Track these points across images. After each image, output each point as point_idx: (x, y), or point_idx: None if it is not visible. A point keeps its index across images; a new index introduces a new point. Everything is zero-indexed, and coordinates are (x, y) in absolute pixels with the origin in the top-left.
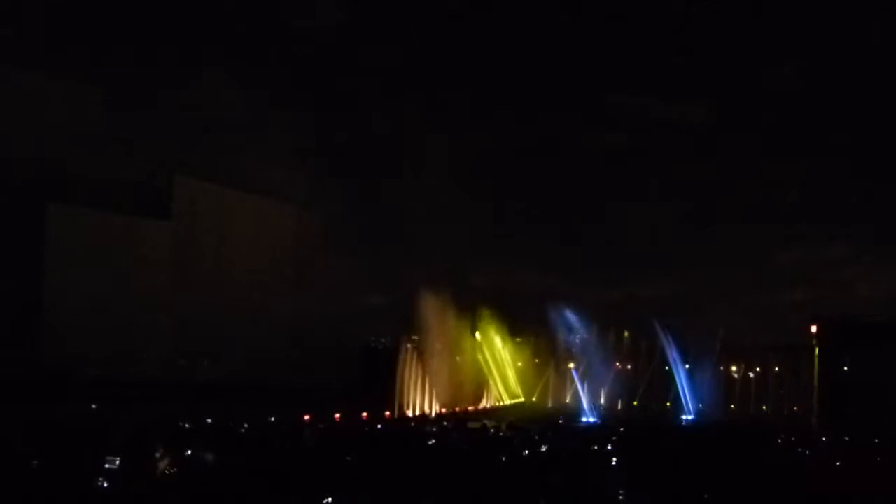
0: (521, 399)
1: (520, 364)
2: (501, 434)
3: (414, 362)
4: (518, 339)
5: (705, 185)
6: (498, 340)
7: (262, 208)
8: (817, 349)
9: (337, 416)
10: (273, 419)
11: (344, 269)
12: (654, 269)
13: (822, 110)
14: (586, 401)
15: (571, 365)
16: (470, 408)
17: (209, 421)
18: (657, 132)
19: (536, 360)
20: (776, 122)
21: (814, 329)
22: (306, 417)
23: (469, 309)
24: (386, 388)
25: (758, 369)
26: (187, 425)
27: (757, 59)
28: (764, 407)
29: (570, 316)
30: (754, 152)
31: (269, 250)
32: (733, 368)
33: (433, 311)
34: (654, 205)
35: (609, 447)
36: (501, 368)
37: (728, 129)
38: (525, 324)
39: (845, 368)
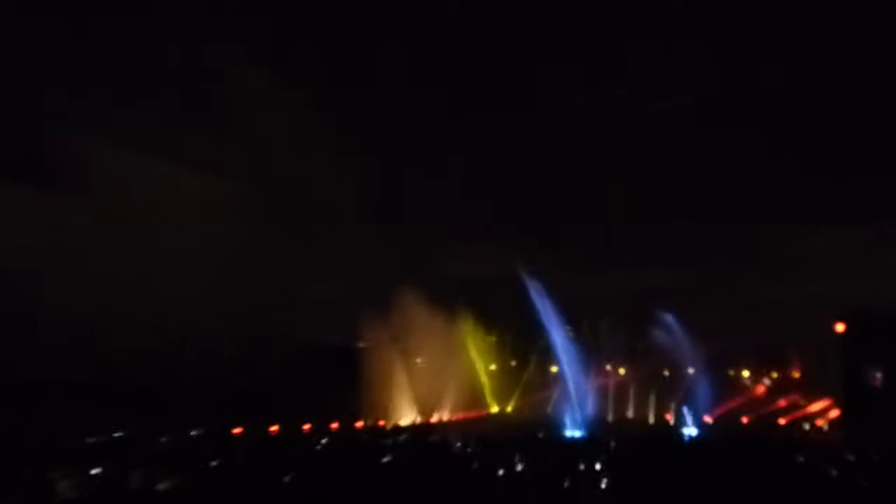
0: (495, 408)
1: (493, 367)
2: (469, 450)
3: (370, 365)
4: (492, 339)
5: (714, 169)
6: (468, 340)
7: (194, 183)
8: (843, 351)
9: (273, 427)
10: (198, 431)
11: (290, 254)
12: (653, 259)
13: (824, 102)
14: (571, 411)
15: (554, 368)
16: (433, 419)
17: (119, 434)
18: (657, 115)
19: (513, 363)
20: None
21: (840, 328)
22: (237, 430)
23: (437, 301)
24: (334, 395)
25: (774, 374)
26: (93, 439)
27: (765, 45)
28: (780, 419)
29: (555, 309)
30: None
31: (203, 231)
32: (745, 374)
33: (393, 304)
34: (653, 189)
35: (598, 467)
36: (471, 372)
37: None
38: (501, 320)
39: (877, 375)
